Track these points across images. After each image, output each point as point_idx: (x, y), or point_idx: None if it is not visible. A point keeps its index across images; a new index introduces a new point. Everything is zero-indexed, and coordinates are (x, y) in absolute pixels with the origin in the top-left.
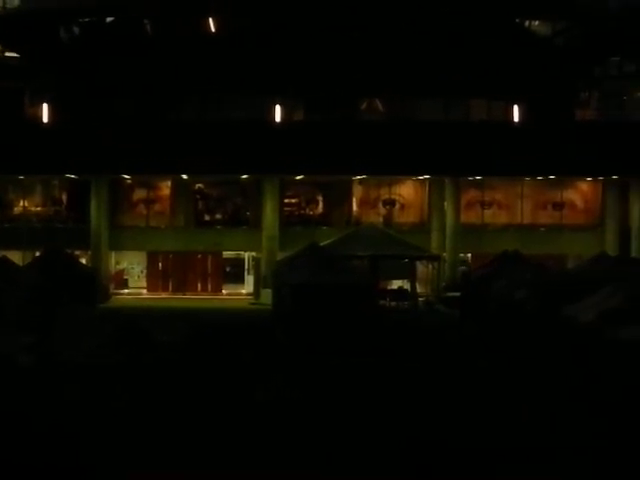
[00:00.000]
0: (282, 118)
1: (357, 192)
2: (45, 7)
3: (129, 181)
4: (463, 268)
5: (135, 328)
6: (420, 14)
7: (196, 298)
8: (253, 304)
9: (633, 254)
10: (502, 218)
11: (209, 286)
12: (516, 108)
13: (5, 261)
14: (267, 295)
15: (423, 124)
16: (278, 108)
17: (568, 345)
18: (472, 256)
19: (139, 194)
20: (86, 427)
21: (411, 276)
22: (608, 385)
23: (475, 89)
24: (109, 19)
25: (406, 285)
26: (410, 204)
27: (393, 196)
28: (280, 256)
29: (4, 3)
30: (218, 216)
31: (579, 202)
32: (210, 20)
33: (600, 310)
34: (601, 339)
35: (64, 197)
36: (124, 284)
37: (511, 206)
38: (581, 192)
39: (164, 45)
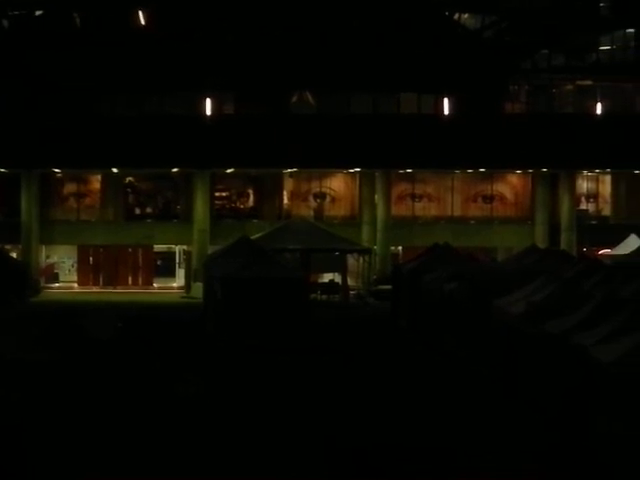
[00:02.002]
0: (212, 112)
1: (288, 185)
2: None
3: (59, 175)
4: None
5: (68, 324)
6: (350, 7)
7: (127, 292)
8: (184, 298)
9: (563, 246)
10: (433, 211)
11: (140, 280)
12: (446, 101)
13: None
14: (198, 289)
15: (354, 117)
16: (208, 102)
17: (499, 337)
18: (403, 249)
19: (69, 188)
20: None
21: (342, 269)
22: (537, 379)
23: (405, 83)
24: (38, 13)
25: (337, 278)
26: (341, 197)
27: (324, 189)
28: (211, 249)
29: None
30: (149, 210)
31: (509, 195)
32: (140, 14)
33: (530, 302)
34: (531, 331)
35: None
36: (55, 278)
37: (442, 199)
38: (511, 185)
39: (95, 39)
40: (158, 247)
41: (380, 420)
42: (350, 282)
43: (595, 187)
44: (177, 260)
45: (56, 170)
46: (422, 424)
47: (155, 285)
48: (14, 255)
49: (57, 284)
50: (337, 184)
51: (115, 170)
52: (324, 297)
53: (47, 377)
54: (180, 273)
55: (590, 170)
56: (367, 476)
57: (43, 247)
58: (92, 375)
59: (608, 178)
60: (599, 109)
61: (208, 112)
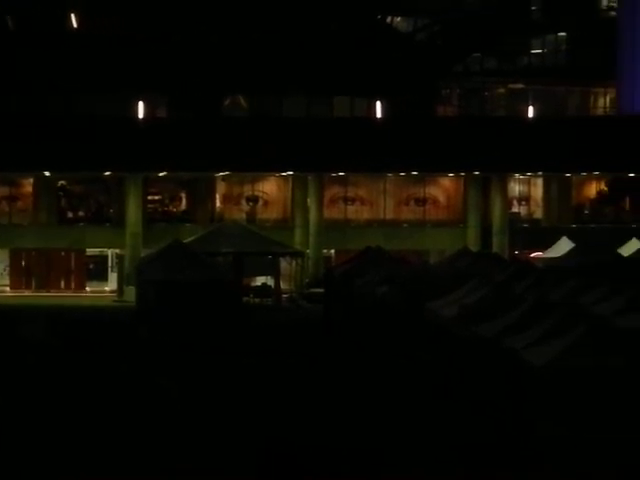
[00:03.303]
0: (145, 115)
1: (220, 189)
2: None
3: None
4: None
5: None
6: (283, 12)
7: (60, 295)
8: (116, 301)
9: (495, 249)
10: (365, 214)
11: (72, 283)
12: (379, 104)
13: None
14: (131, 292)
15: (286, 121)
16: (141, 105)
17: (431, 341)
18: (335, 252)
19: (1, 191)
20: None
21: (275, 273)
22: (469, 381)
23: (338, 86)
24: None
25: (270, 282)
26: (273, 201)
27: (256, 193)
28: (144, 253)
29: None
30: (81, 213)
31: (441, 198)
32: (73, 17)
33: (462, 305)
34: (463, 334)
35: None
36: None
37: (374, 202)
38: (443, 188)
39: (28, 41)
40: (90, 251)
41: (309, 421)
42: (283, 285)
43: (527, 190)
44: (109, 264)
45: None
46: (350, 425)
47: (88, 289)
48: None
49: None
50: (270, 187)
51: (47, 173)
52: (257, 300)
53: None
54: (113, 277)
55: (522, 173)
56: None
57: None
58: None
59: (540, 181)
60: (531, 112)
61: (140, 115)
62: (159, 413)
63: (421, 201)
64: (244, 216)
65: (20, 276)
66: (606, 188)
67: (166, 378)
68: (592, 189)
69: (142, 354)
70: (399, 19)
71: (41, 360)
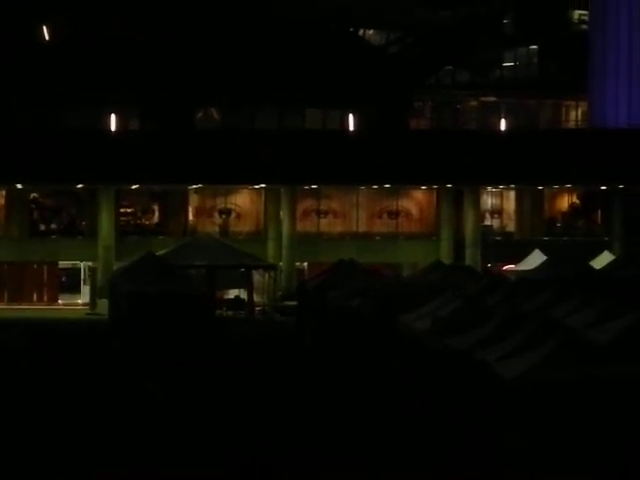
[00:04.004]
0: (117, 127)
1: (193, 201)
2: None
3: None
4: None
5: None
6: (255, 24)
7: (32, 308)
8: (89, 314)
9: (467, 262)
10: (338, 227)
11: (45, 296)
12: (351, 117)
13: None
14: (103, 305)
15: (259, 133)
16: (113, 117)
17: (404, 354)
18: (308, 265)
19: None
20: None
21: (248, 285)
22: (442, 394)
23: (310, 98)
24: None
25: (243, 294)
26: (246, 213)
27: (229, 205)
28: (116, 266)
29: None
30: (53, 226)
31: (414, 211)
32: (45, 28)
33: (435, 318)
34: (436, 347)
35: None
36: None
37: (347, 215)
38: (416, 201)
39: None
40: (63, 263)
41: (282, 429)
42: (256, 298)
43: (499, 203)
44: (82, 276)
45: None
46: (323, 434)
47: (60, 302)
48: None
49: None
50: (242, 200)
51: (19, 186)
52: (230, 313)
53: None
54: (85, 289)
55: (494, 186)
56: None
57: None
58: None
59: (512, 194)
60: (503, 125)
61: (113, 127)
62: (148, 416)
63: (394, 214)
64: (217, 229)
65: None
66: (578, 201)
67: (152, 382)
68: (564, 202)
69: (116, 365)
70: (372, 32)
71: (16, 368)
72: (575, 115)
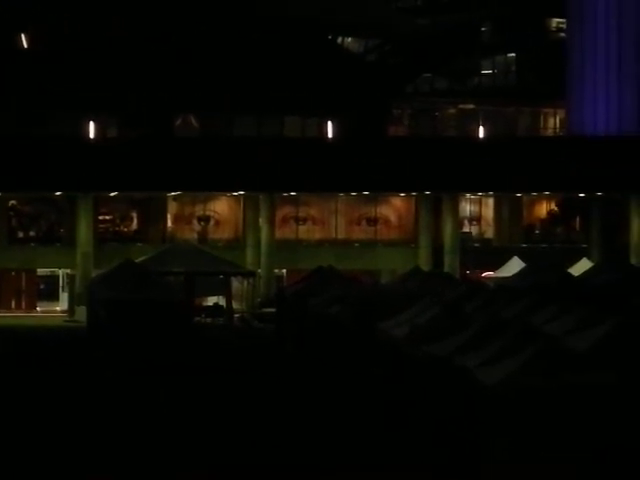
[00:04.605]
0: (96, 134)
1: (172, 208)
2: None
3: None
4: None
5: None
6: (234, 31)
7: (10, 315)
8: (67, 321)
9: (446, 269)
10: (317, 234)
11: (23, 303)
12: (330, 124)
13: None
14: (82, 312)
15: (237, 140)
16: (92, 125)
17: (383, 361)
18: (287, 272)
19: None
20: None
21: (226, 292)
22: (421, 401)
23: (289, 105)
24: None
25: (221, 301)
26: (225, 220)
27: (208, 212)
28: (95, 273)
29: None
30: (32, 233)
31: (393, 218)
32: (23, 36)
33: (414, 325)
34: (415, 354)
35: None
36: None
37: (325, 222)
38: (394, 208)
39: None
40: (41, 271)
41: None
42: (235, 305)
43: (478, 210)
44: (60, 284)
45: None
46: (304, 440)
47: (38, 309)
48: None
49: None
50: (221, 207)
51: None
52: (209, 320)
53: None
54: (64, 297)
55: (473, 193)
56: None
57: None
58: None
59: (491, 201)
60: (481, 132)
61: (91, 135)
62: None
63: (372, 221)
64: (195, 236)
65: None
66: (557, 208)
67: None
68: (543, 209)
69: (100, 372)
70: (350, 40)
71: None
72: (553, 122)
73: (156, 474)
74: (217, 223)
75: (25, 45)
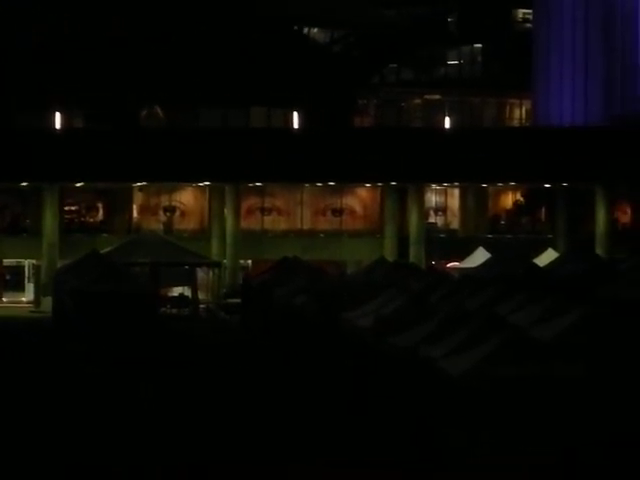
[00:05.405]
0: (62, 125)
1: (137, 199)
2: None
3: None
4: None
5: None
6: (198, 22)
7: None
8: (33, 312)
9: (412, 259)
10: (282, 224)
11: None
12: (295, 115)
13: None
14: (48, 303)
15: (203, 131)
16: (58, 115)
17: (347, 351)
18: (253, 262)
19: None
20: None
21: (192, 283)
22: (386, 391)
23: (255, 96)
24: None
25: (187, 292)
26: (190, 211)
27: (173, 203)
28: (60, 263)
29: None
30: None
31: (358, 208)
32: None
33: (378, 316)
34: (379, 345)
35: None
36: None
37: (291, 212)
38: (360, 198)
39: None
40: (7, 261)
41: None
42: (200, 296)
43: (444, 200)
44: (26, 274)
45: None
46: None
47: (4, 299)
48: None
49: None
50: (186, 198)
51: None
52: (174, 311)
53: None
54: (29, 287)
55: (438, 183)
56: None
57: None
58: None
59: (456, 192)
60: (447, 123)
61: (57, 126)
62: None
63: (338, 211)
64: (161, 226)
65: None
66: (522, 199)
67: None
68: (508, 200)
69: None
70: (316, 30)
71: None
72: (519, 113)
73: (143, 468)
74: (183, 214)
75: None
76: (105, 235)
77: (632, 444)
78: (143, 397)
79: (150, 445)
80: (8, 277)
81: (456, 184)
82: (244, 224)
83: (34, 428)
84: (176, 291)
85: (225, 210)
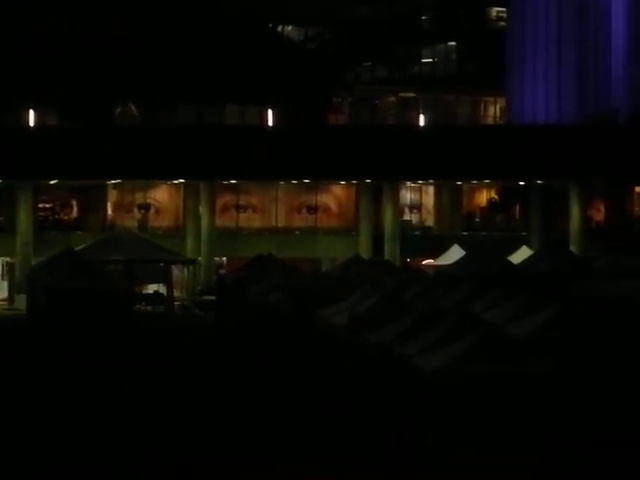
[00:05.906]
0: (35, 123)
1: (112, 196)
2: None
3: None
4: (222, 271)
5: None
6: (173, 19)
7: None
8: (7, 310)
9: (386, 257)
10: (257, 222)
11: None
12: (270, 112)
13: None
14: (21, 300)
15: (177, 129)
16: (31, 113)
17: (321, 349)
18: (228, 260)
19: None
20: None
21: (167, 280)
22: (361, 389)
23: (229, 94)
24: None
25: (162, 289)
26: (165, 208)
27: (148, 200)
28: (35, 261)
29: None
30: None
31: (333, 206)
32: None
33: (353, 313)
34: (354, 342)
35: None
36: None
37: (266, 210)
38: (335, 196)
39: None
40: None
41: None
42: (175, 293)
43: (418, 198)
44: (0, 272)
45: None
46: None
47: None
48: None
49: None
50: (161, 195)
51: None
52: (149, 308)
53: None
54: (3, 285)
55: (413, 181)
56: None
57: None
58: None
59: (431, 189)
60: (422, 120)
61: (31, 123)
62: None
63: (313, 209)
64: (136, 224)
65: None
66: (497, 196)
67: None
68: (483, 197)
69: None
70: (290, 28)
71: None
72: (493, 111)
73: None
74: (157, 211)
75: None
76: (79, 233)
77: (607, 441)
78: (126, 396)
79: (136, 444)
80: None
81: (431, 182)
82: (219, 221)
83: (18, 427)
84: (151, 288)
85: (200, 207)
